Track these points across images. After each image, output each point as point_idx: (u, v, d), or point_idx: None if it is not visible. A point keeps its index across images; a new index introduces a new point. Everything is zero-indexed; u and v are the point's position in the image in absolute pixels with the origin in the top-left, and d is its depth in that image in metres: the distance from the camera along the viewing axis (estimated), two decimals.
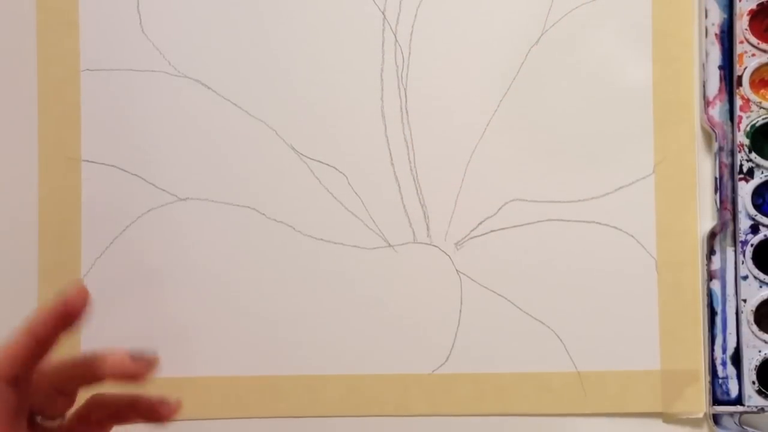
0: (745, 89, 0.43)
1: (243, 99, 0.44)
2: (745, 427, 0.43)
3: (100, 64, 0.44)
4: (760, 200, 0.43)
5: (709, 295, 0.43)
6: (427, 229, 0.44)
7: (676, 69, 0.43)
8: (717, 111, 0.43)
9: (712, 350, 0.43)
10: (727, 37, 0.43)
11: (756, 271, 0.43)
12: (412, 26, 0.44)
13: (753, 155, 0.43)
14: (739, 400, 0.43)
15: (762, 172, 0.43)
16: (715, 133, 0.43)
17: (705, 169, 0.44)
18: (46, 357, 0.30)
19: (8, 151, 0.45)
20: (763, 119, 0.43)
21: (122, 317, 0.44)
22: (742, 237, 0.43)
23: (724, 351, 0.43)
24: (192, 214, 0.44)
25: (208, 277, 0.44)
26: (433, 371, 0.44)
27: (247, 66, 0.44)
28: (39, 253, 0.44)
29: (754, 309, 0.43)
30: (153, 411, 0.32)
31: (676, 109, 0.43)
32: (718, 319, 0.43)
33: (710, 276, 0.43)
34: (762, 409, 0.42)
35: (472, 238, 0.44)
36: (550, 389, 0.43)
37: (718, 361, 0.43)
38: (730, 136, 0.43)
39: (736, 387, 0.43)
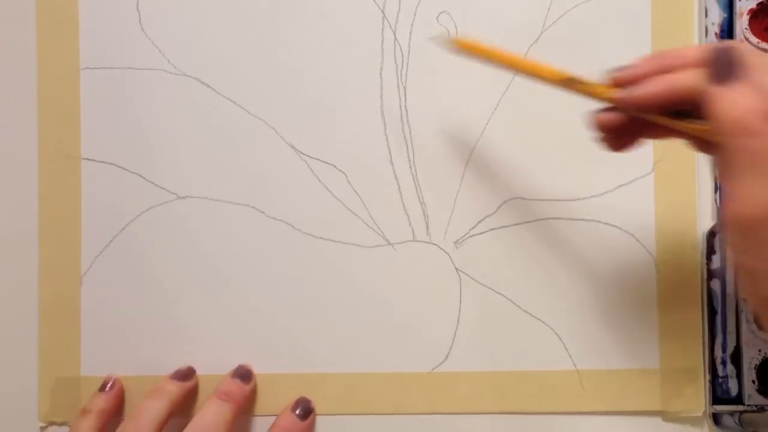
0: None
1: (242, 97, 0.44)
2: (744, 426, 0.43)
3: (99, 62, 0.44)
4: None
5: (709, 294, 0.43)
6: (427, 227, 0.44)
7: None
8: None
9: (711, 349, 0.43)
10: (727, 36, 0.43)
11: None
12: (412, 25, 0.44)
13: None
14: (739, 399, 0.43)
15: None
16: None
17: (705, 168, 0.43)
18: None
19: (7, 149, 0.45)
20: None
21: (122, 315, 0.44)
22: None
23: (724, 350, 0.43)
24: (191, 212, 0.44)
25: (207, 275, 0.44)
26: (432, 369, 0.44)
27: (246, 64, 0.44)
28: (39, 251, 0.44)
29: None
30: None
31: None
32: (718, 318, 0.43)
33: (710, 275, 0.43)
34: (762, 408, 0.42)
35: (471, 236, 0.44)
36: (550, 387, 0.43)
37: (718, 360, 0.43)
38: None
39: (736, 386, 0.43)
